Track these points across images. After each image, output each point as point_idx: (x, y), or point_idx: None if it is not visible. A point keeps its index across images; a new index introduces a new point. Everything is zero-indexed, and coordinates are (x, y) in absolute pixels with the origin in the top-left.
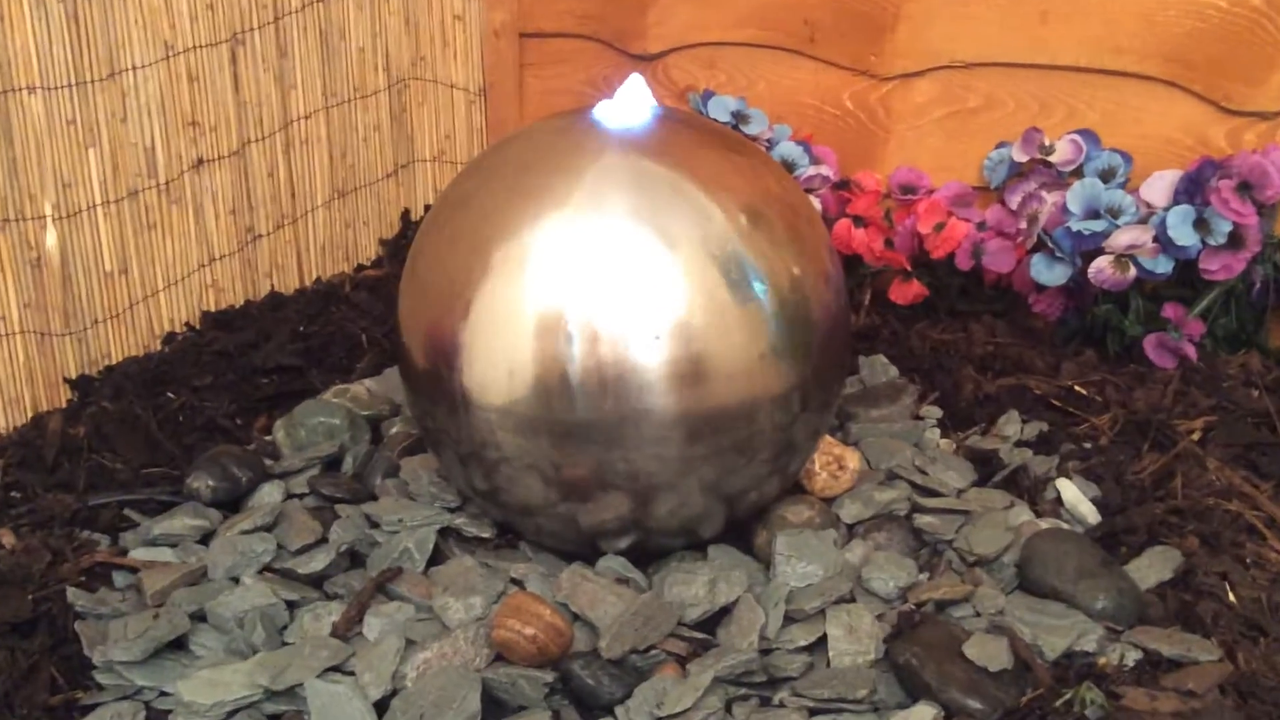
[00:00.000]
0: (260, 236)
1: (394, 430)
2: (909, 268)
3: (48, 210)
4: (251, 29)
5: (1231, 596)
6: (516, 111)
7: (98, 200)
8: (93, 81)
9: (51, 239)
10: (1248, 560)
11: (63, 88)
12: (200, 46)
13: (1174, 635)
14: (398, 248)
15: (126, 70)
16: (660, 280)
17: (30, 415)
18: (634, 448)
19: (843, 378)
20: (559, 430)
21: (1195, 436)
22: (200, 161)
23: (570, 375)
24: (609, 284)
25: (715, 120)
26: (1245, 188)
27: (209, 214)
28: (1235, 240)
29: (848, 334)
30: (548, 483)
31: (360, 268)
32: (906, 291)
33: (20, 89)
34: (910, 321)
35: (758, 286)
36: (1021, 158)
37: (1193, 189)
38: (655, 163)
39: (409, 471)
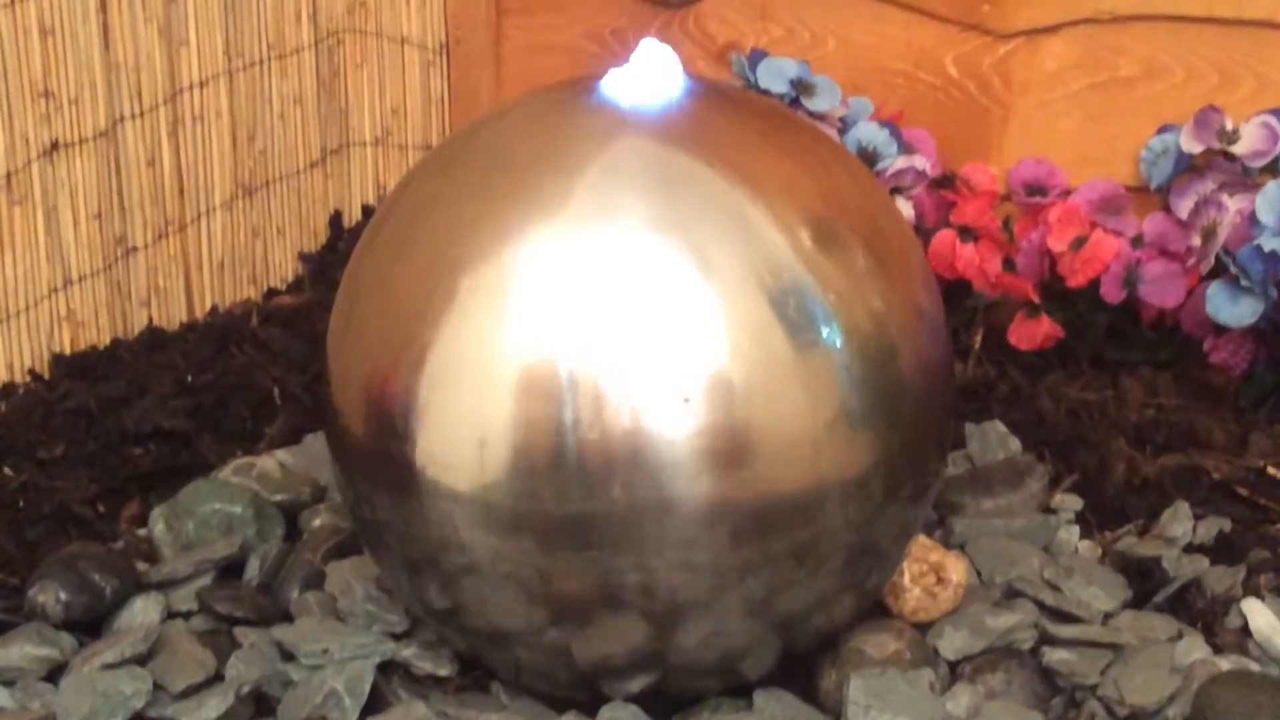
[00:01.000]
0: (135, 250)
1: (317, 523)
2: (1036, 299)
3: None
4: None
5: None
6: (491, 78)
7: None
8: None
9: None
10: None
11: None
12: None
13: None
14: (325, 266)
15: None
16: (691, 319)
17: None
18: (653, 552)
19: (944, 454)
20: (548, 526)
21: None
22: (54, 146)
23: (565, 450)
24: (620, 324)
25: (768, 93)
26: None
27: (65, 218)
28: None
29: (950, 392)
30: (532, 600)
31: (272, 293)
32: (1033, 332)
33: None
34: (1038, 374)
35: (825, 327)
36: (1194, 147)
37: None
38: (685, 155)
39: (337, 581)
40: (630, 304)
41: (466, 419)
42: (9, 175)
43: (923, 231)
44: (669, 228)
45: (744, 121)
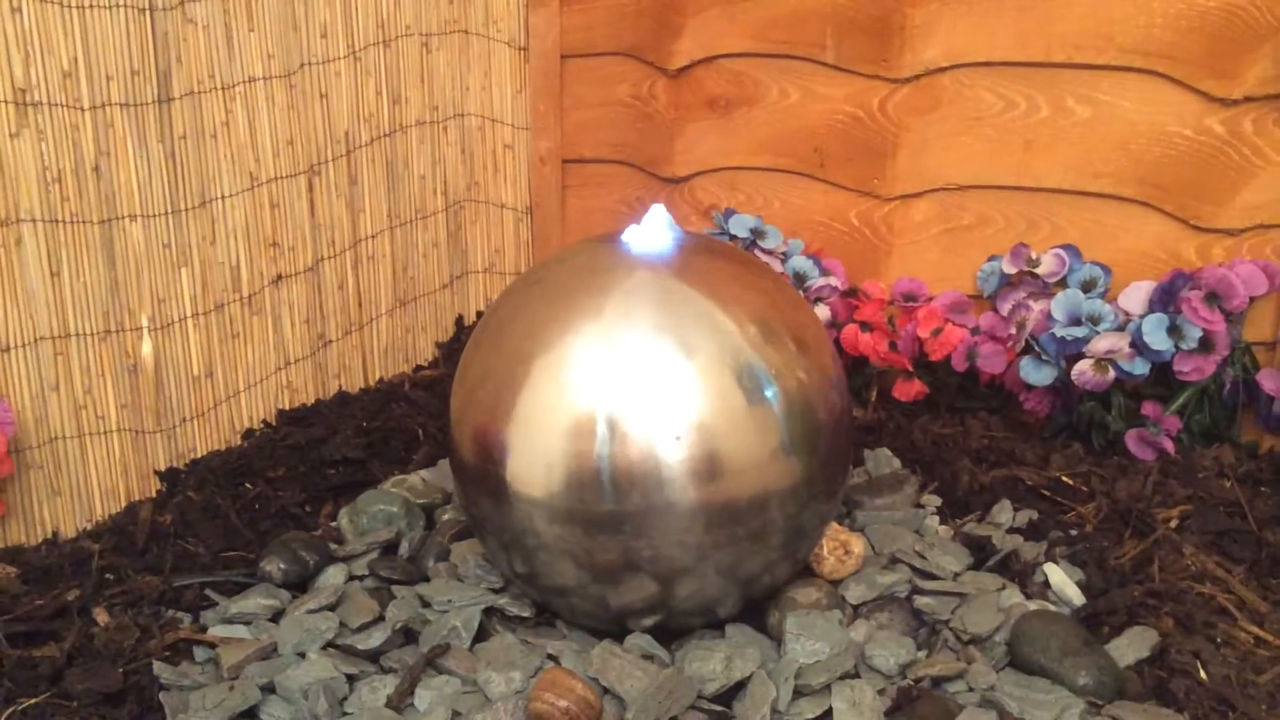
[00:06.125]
0: (330, 342)
1: (445, 517)
2: (911, 368)
3: (144, 322)
4: (326, 161)
5: (1203, 674)
6: (559, 227)
7: (188, 313)
8: (186, 210)
9: (147, 348)
10: (1218, 640)
11: (160, 215)
12: (281, 177)
13: (1150, 710)
14: (451, 350)
15: (216, 199)
16: (681, 386)
17: (124, 504)
18: (658, 536)
19: (847, 469)
20: (590, 520)
21: (1173, 524)
22: (279, 277)
23: (601, 471)
24: (635, 389)
25: (735, 238)
26: (1213, 298)
27: (286, 323)
28: (1206, 345)
29: (850, 430)
30: (580, 567)
31: (418, 368)
32: (909, 390)
33: (123, 217)
34: (912, 417)
35: (768, 390)
36: (1011, 270)
37: (1166, 298)
38: (678, 281)
39: (458, 555)
40: (642, 377)
41: (538, 451)
42: (250, 296)
43: (836, 326)
44: (667, 329)
45: (717, 261)
